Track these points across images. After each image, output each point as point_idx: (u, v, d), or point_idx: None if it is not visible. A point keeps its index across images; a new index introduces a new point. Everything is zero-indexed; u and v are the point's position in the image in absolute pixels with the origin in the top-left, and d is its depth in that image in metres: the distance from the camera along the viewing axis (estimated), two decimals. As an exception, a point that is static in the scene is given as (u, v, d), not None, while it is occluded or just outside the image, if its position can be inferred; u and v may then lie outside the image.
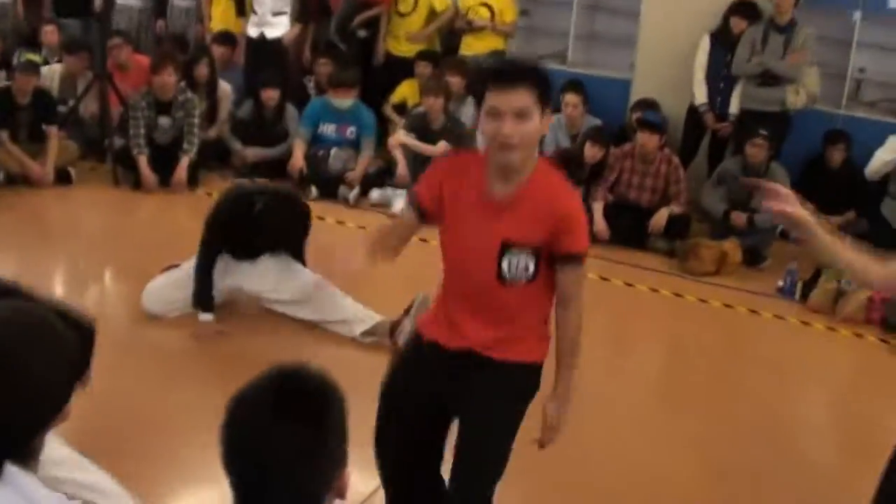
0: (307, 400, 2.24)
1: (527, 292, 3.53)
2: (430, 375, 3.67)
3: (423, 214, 3.67)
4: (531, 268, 3.48)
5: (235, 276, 6.31)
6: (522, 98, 3.34)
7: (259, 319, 6.40)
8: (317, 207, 7.55)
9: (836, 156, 9.05)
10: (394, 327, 6.10)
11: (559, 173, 3.64)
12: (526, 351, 3.63)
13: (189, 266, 6.23)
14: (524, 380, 3.67)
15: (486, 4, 10.28)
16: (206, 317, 6.12)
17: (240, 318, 6.39)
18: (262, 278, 6.33)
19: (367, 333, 6.18)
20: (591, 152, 8.67)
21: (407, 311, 6.06)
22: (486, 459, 3.62)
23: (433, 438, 3.80)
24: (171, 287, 6.27)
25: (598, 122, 9.35)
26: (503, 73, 3.42)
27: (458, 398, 3.64)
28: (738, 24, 9.12)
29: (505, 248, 3.46)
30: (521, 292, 3.52)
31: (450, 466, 3.63)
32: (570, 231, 3.47)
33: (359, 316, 6.24)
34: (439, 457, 3.82)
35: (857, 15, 9.33)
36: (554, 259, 3.50)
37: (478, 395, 3.60)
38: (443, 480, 3.76)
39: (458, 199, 3.55)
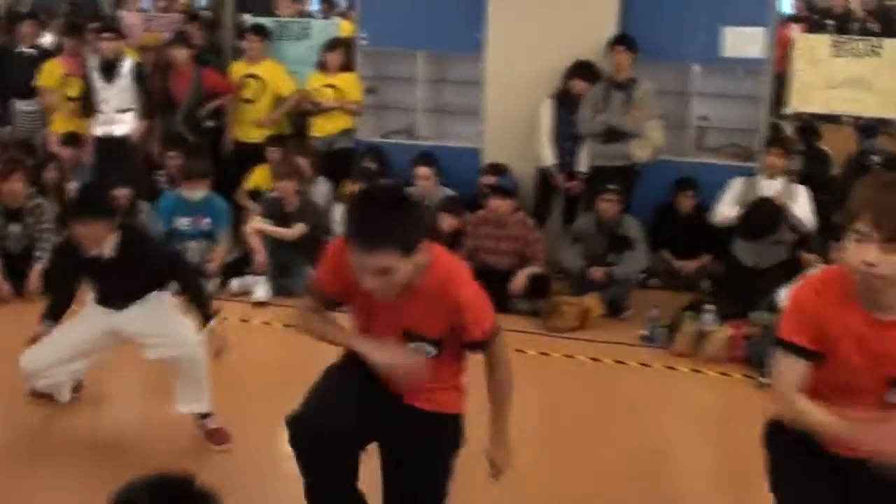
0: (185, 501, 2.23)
1: (435, 362, 3.69)
2: (368, 401, 3.73)
3: (329, 301, 3.76)
4: (433, 351, 3.65)
5: (113, 320, 5.96)
6: (381, 260, 3.30)
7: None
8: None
9: (686, 202, 9.29)
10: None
11: (455, 261, 3.73)
12: (447, 402, 3.84)
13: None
14: (453, 430, 3.87)
15: (330, 85, 10.37)
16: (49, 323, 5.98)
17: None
18: (143, 320, 5.93)
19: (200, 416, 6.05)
20: (447, 223, 8.75)
21: None
22: None
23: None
24: (50, 342, 5.99)
25: (450, 192, 9.47)
26: (361, 236, 3.33)
27: (389, 440, 3.84)
28: (577, 84, 9.34)
29: (407, 337, 3.59)
30: (429, 363, 3.67)
31: None
32: (468, 320, 3.59)
33: (203, 393, 6.01)
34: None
35: (696, 67, 9.66)
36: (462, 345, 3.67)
37: (411, 449, 3.80)
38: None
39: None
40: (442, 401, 3.86)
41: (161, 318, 5.97)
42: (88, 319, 6.02)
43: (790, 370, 3.27)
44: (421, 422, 3.82)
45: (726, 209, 8.86)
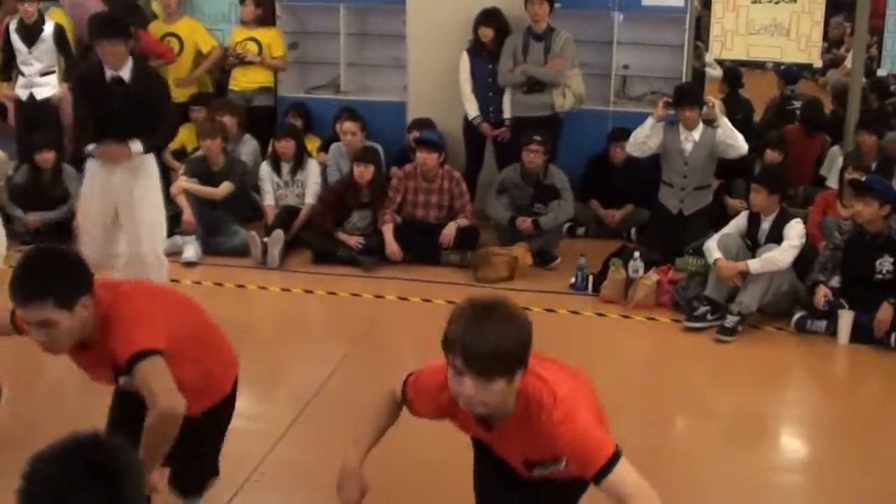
0: (104, 465, 2.23)
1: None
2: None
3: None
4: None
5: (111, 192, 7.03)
6: (38, 313, 3.44)
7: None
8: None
9: (620, 153, 9.34)
10: None
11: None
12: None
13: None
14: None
15: (253, 39, 10.29)
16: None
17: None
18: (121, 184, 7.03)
19: None
20: (360, 172, 8.71)
21: None
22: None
23: None
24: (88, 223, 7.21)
25: (375, 145, 9.44)
26: (18, 292, 3.47)
27: None
28: (484, 32, 9.34)
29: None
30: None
31: None
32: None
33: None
34: None
35: (619, 16, 9.71)
36: None
37: None
38: None
39: None
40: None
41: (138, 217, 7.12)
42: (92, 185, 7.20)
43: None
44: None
45: (636, 138, 8.75)
